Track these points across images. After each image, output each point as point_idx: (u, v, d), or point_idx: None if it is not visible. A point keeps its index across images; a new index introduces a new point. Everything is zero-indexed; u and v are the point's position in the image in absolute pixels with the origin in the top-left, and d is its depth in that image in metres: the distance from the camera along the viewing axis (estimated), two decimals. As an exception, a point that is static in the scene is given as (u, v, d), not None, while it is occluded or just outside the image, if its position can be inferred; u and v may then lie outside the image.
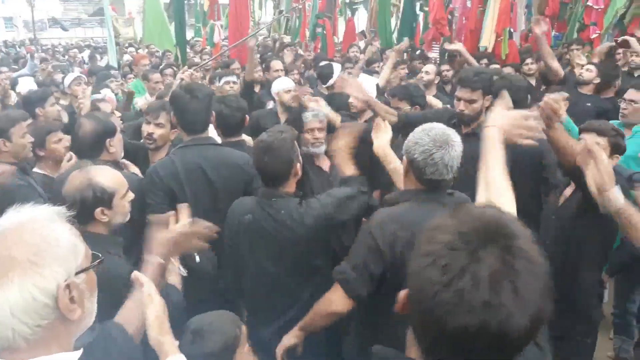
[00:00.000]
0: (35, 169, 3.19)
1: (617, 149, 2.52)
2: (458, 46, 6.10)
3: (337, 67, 5.45)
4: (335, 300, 2.05)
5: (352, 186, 2.43)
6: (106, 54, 10.75)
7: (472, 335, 0.82)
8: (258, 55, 9.52)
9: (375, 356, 1.06)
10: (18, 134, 2.94)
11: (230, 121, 3.10)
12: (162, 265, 1.82)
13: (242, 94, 4.64)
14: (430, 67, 5.61)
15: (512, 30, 7.26)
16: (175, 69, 6.64)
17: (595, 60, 5.62)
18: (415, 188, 2.10)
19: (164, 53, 9.38)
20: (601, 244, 2.64)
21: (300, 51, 9.83)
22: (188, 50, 9.25)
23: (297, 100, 3.89)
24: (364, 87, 3.88)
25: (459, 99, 3.15)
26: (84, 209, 1.96)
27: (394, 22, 10.28)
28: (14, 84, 6.33)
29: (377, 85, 4.61)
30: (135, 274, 1.58)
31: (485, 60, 6.47)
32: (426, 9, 8.90)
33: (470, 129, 3.14)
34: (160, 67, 7.06)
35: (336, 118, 3.43)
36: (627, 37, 5.92)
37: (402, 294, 1.01)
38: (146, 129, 3.10)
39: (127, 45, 15.22)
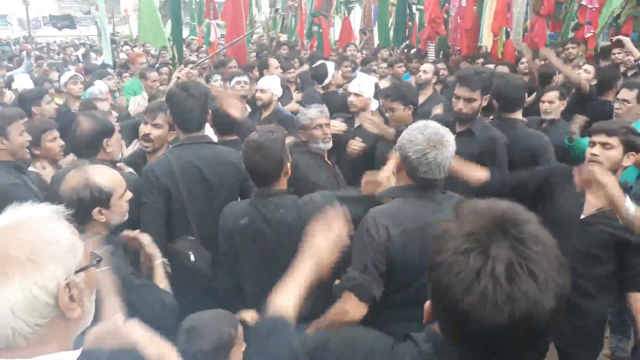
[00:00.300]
0: (30, 168, 3.18)
1: (630, 146, 2.44)
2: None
3: (330, 66, 5.46)
4: (350, 310, 1.97)
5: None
6: (101, 53, 10.71)
7: (503, 330, 0.83)
8: (254, 54, 9.53)
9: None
10: (15, 132, 2.94)
11: (226, 120, 3.10)
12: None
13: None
14: (428, 66, 5.62)
15: (508, 29, 7.29)
16: (171, 67, 6.63)
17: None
18: (407, 185, 2.12)
19: (160, 52, 9.36)
20: None
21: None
22: (184, 48, 9.23)
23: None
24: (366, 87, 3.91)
25: (458, 97, 3.15)
26: (82, 209, 1.94)
27: (390, 21, 10.30)
28: (9, 82, 6.31)
29: (376, 85, 4.63)
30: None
31: (481, 60, 6.50)
32: (421, 7, 8.92)
33: (464, 128, 3.16)
34: (156, 65, 7.05)
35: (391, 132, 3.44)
36: (621, 37, 5.94)
37: (427, 305, 1.01)
38: (143, 129, 3.06)
39: (122, 43, 15.17)
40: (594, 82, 4.90)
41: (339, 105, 4.56)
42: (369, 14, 12.23)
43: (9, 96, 5.58)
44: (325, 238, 1.54)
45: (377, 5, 10.39)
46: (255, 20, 13.56)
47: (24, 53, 11.88)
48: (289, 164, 2.36)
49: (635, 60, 5.63)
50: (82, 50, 14.39)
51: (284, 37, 11.59)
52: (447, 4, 8.65)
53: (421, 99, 5.35)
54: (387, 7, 9.50)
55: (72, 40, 22.40)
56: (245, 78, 5.01)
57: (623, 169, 2.50)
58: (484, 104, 3.18)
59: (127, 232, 2.23)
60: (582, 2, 6.89)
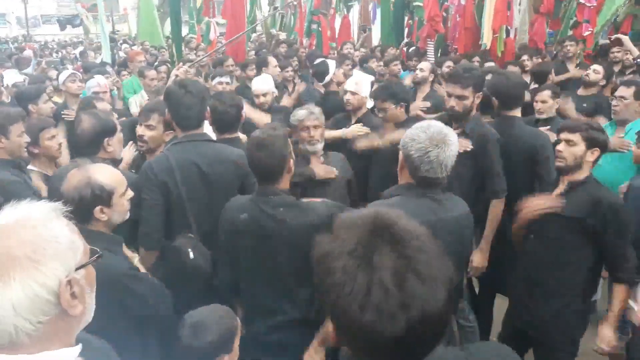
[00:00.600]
0: (29, 167, 3.19)
1: (593, 142, 2.54)
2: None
3: (332, 64, 5.46)
4: None
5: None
6: (100, 51, 10.70)
7: (405, 334, 0.84)
8: (253, 52, 9.53)
9: None
10: (16, 132, 2.94)
11: (225, 117, 3.10)
12: None
13: (238, 92, 4.65)
14: (425, 65, 5.63)
15: (508, 27, 7.30)
16: (169, 65, 6.63)
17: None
18: (409, 183, 2.12)
19: (159, 50, 9.36)
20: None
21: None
22: (183, 47, 9.23)
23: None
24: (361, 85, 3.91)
25: (450, 95, 3.17)
26: (83, 208, 1.94)
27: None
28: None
29: (372, 83, 4.63)
30: None
31: (476, 58, 6.51)
32: (420, 4, 8.92)
33: (460, 128, 3.16)
34: (155, 64, 7.04)
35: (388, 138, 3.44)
36: (620, 36, 5.95)
37: (330, 329, 1.01)
38: (137, 130, 3.06)
39: (121, 41, 15.16)
40: (603, 82, 4.91)
41: (337, 104, 4.56)
42: (367, 12, 12.24)
43: (6, 93, 5.56)
44: None
45: (379, 4, 10.38)
46: (256, 18, 13.55)
47: (25, 52, 11.82)
48: (292, 161, 2.36)
49: (634, 59, 5.65)
50: (80, 48, 14.38)
51: (283, 35, 11.58)
52: (446, 2, 8.65)
53: (418, 97, 5.37)
54: (389, 6, 9.50)
55: (71, 39, 22.37)
56: (227, 79, 4.99)
57: (590, 165, 2.60)
58: (477, 101, 3.19)
59: None
60: (581, 0, 6.90)
